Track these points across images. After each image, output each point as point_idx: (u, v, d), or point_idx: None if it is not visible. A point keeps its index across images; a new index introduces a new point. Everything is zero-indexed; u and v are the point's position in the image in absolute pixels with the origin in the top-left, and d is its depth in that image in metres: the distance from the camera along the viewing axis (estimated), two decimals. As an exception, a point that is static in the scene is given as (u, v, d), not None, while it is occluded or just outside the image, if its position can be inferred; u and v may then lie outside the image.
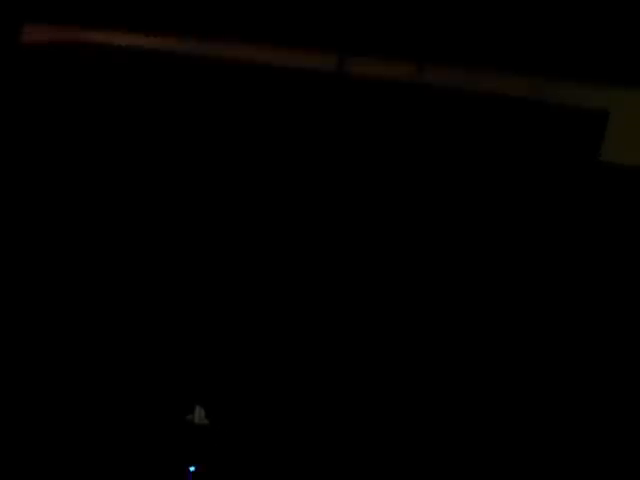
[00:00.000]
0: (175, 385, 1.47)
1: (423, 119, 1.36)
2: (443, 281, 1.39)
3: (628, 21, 1.26)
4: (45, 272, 1.58)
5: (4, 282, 1.59)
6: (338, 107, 1.37)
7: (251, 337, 1.48)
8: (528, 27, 1.31)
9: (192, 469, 1.38)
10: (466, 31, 1.33)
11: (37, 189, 1.59)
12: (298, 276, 1.45)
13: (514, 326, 1.35)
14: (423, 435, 1.36)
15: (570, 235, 1.33)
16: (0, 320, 1.56)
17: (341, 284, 1.43)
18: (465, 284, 1.38)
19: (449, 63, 1.34)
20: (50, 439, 1.44)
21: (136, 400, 1.47)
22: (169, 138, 1.49)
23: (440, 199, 1.38)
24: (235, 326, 1.49)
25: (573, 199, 1.33)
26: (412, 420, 1.39)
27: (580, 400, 1.32)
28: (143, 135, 1.49)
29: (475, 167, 1.35)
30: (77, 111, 1.54)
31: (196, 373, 1.47)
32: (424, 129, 1.37)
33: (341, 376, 1.42)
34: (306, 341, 1.45)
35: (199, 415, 1.42)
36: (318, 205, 1.42)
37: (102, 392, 1.50)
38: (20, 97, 1.57)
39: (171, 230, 1.51)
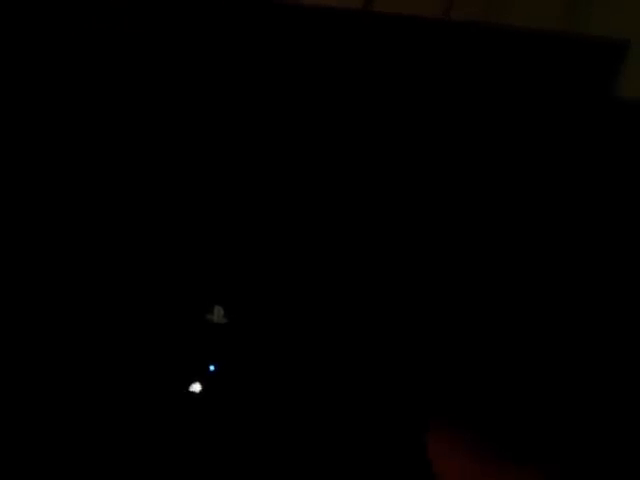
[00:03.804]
0: (194, 285, 1.45)
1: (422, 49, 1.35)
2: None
3: None
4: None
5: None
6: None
7: (267, 236, 1.47)
8: None
9: (212, 367, 1.39)
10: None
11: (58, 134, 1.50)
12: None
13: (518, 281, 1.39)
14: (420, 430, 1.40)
15: (583, 176, 1.34)
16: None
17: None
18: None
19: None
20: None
21: (155, 302, 1.46)
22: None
23: (447, 136, 1.38)
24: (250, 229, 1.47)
25: (583, 139, 1.33)
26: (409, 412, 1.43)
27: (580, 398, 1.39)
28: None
29: (478, 104, 1.34)
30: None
31: (214, 274, 1.46)
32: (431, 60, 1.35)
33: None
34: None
35: (218, 314, 1.42)
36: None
37: (122, 294, 1.47)
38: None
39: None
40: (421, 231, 1.41)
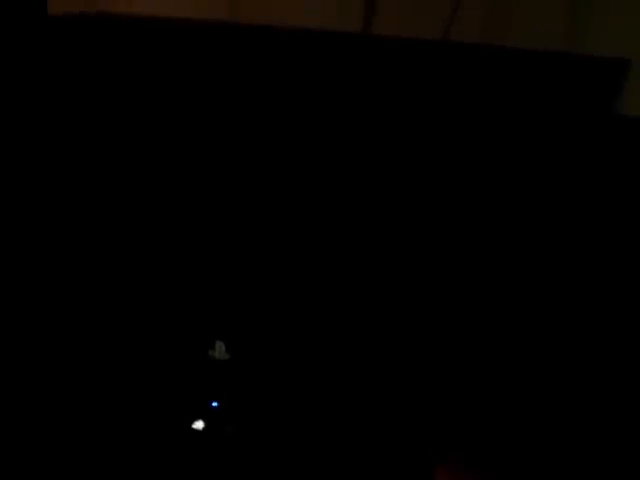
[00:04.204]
0: (196, 321, 1.44)
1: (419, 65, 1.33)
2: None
3: None
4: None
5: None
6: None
7: (269, 273, 1.45)
8: None
9: (214, 404, 1.37)
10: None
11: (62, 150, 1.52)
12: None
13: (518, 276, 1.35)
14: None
15: (582, 191, 1.30)
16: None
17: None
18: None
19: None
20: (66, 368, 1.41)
21: (157, 337, 1.45)
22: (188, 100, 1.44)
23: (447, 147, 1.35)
24: (254, 262, 1.46)
25: (584, 156, 1.29)
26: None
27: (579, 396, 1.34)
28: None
29: (478, 119, 1.32)
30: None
31: (216, 308, 1.45)
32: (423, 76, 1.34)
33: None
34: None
35: (220, 350, 1.40)
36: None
37: (121, 329, 1.47)
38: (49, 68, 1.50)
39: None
40: (407, 246, 1.38)
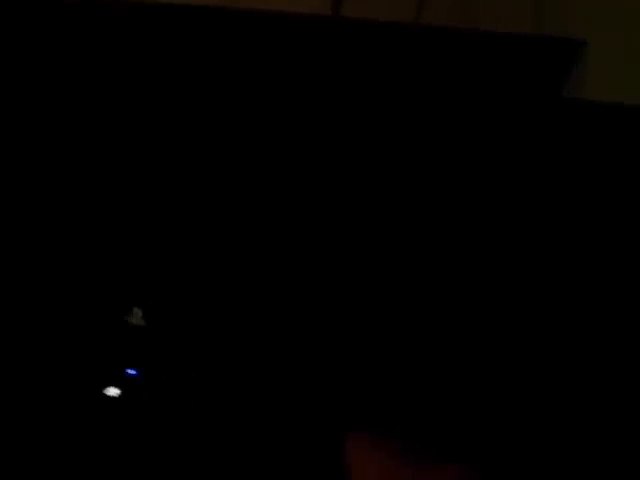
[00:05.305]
0: (112, 287, 1.38)
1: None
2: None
3: None
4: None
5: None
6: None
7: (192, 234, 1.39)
8: None
9: (132, 372, 1.34)
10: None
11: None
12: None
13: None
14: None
15: (534, 174, 1.31)
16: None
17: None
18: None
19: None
20: None
21: (71, 303, 1.38)
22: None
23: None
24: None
25: (527, 138, 1.30)
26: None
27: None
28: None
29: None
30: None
31: (133, 274, 1.38)
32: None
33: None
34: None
35: (136, 316, 1.35)
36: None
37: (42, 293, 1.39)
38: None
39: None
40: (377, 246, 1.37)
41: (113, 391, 1.33)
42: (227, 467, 1.31)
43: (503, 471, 1.34)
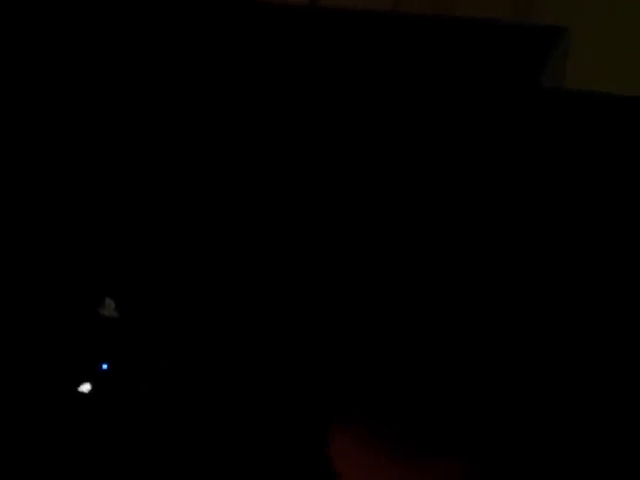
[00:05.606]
0: (83, 276, 1.35)
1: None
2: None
3: None
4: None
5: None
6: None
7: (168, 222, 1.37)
8: None
9: (104, 366, 1.31)
10: None
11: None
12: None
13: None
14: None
15: (514, 167, 1.31)
16: None
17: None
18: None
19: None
20: None
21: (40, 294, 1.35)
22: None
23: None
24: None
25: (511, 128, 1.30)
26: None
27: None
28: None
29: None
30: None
31: (106, 264, 1.36)
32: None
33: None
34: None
35: (109, 308, 1.33)
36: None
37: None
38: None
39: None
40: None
41: (85, 386, 1.31)
42: (205, 458, 1.29)
43: (495, 466, 1.33)
